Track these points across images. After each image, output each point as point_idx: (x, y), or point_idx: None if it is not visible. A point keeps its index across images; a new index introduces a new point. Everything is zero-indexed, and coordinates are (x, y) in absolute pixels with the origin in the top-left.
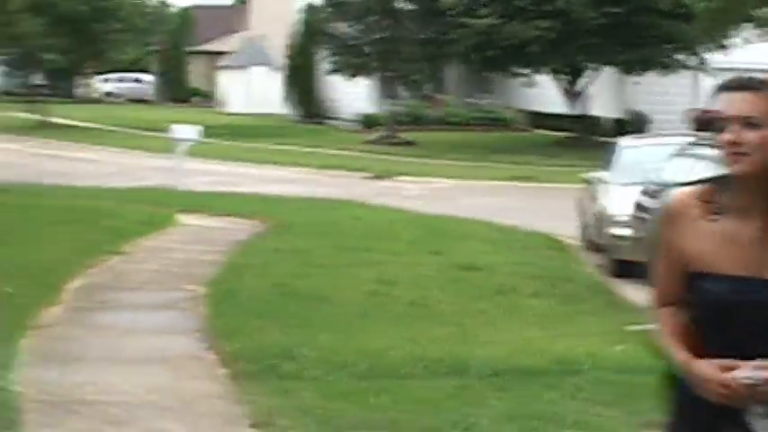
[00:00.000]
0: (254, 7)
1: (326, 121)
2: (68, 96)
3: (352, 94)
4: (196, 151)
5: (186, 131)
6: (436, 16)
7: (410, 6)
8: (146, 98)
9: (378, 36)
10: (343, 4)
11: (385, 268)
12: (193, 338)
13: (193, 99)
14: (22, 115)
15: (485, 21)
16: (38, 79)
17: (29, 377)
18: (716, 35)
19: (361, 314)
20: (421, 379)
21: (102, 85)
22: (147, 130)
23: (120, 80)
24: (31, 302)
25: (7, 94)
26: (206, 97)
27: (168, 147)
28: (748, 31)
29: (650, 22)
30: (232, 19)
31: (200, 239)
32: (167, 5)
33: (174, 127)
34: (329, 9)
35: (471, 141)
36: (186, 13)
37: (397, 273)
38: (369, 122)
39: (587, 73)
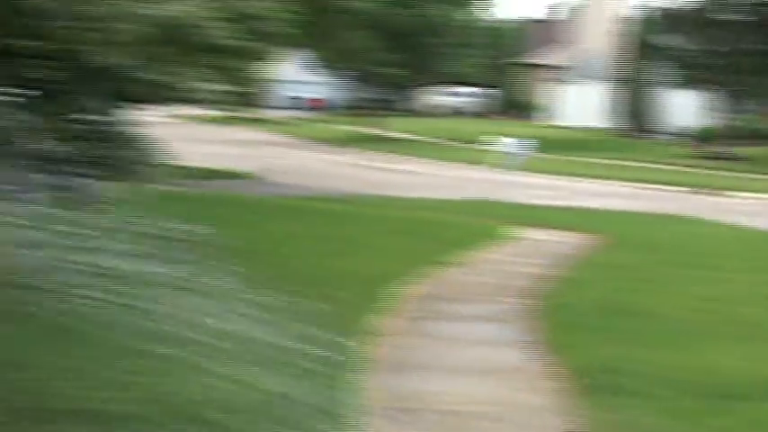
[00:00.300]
0: (582, 21)
1: (653, 134)
2: (398, 110)
3: (682, 108)
4: (521, 164)
5: (515, 145)
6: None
7: (748, 18)
8: (471, 111)
9: (714, 48)
10: (678, 17)
11: (715, 285)
12: (518, 350)
13: (513, 111)
14: (347, 128)
15: None
16: (370, 93)
17: (376, 383)
18: None
19: (691, 331)
20: (759, 401)
21: (431, 97)
22: (470, 142)
23: (448, 93)
24: (371, 311)
25: (348, 108)
26: (527, 110)
27: (491, 159)
28: None
29: None
30: (550, 31)
31: (527, 252)
32: (497, 20)
33: (504, 140)
34: (663, 22)
35: None
36: (514, 26)
37: (728, 290)
38: (699, 136)
39: None
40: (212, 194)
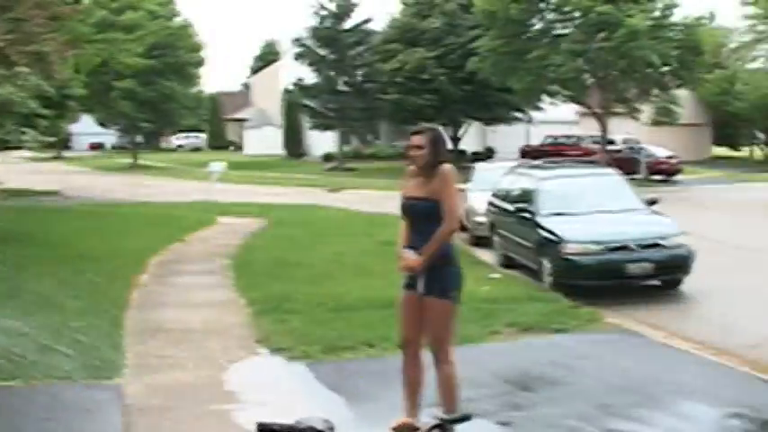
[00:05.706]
0: (256, 91)
1: (305, 157)
2: (154, 148)
3: (320, 140)
4: (223, 178)
5: (217, 166)
6: (366, 93)
7: (349, 88)
8: (200, 147)
9: (333, 106)
10: (308, 88)
11: (339, 245)
12: (224, 291)
13: (222, 146)
14: (121, 160)
15: (393, 96)
16: (135, 138)
17: (131, 315)
18: (530, 102)
19: (327, 274)
20: (364, 310)
21: (175, 140)
22: (196, 166)
23: (185, 137)
24: (131, 272)
25: (116, 148)
26: (236, 146)
27: (206, 177)
28: (555, 97)
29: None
30: (243, 98)
31: (226, 231)
32: (201, 93)
33: (211, 163)
34: (301, 91)
35: (391, 168)
36: (214, 96)
37: (346, 248)
38: (328, 158)
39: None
40: (25, 205)
